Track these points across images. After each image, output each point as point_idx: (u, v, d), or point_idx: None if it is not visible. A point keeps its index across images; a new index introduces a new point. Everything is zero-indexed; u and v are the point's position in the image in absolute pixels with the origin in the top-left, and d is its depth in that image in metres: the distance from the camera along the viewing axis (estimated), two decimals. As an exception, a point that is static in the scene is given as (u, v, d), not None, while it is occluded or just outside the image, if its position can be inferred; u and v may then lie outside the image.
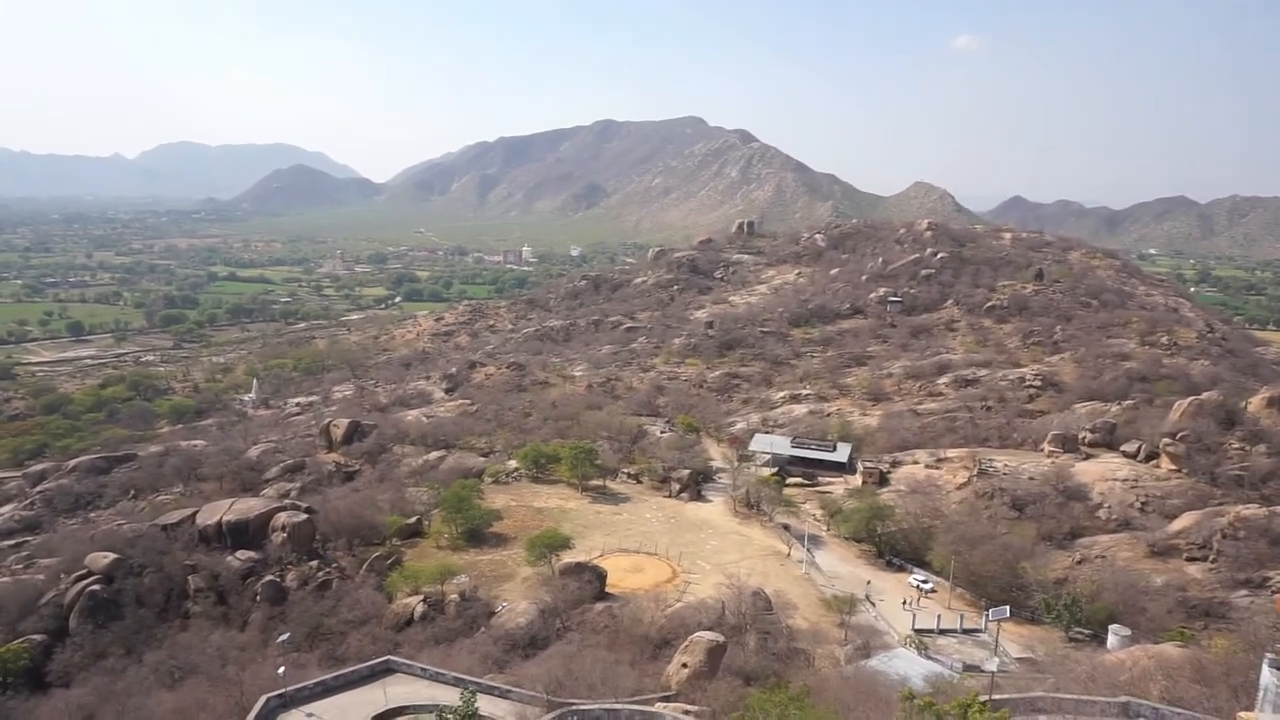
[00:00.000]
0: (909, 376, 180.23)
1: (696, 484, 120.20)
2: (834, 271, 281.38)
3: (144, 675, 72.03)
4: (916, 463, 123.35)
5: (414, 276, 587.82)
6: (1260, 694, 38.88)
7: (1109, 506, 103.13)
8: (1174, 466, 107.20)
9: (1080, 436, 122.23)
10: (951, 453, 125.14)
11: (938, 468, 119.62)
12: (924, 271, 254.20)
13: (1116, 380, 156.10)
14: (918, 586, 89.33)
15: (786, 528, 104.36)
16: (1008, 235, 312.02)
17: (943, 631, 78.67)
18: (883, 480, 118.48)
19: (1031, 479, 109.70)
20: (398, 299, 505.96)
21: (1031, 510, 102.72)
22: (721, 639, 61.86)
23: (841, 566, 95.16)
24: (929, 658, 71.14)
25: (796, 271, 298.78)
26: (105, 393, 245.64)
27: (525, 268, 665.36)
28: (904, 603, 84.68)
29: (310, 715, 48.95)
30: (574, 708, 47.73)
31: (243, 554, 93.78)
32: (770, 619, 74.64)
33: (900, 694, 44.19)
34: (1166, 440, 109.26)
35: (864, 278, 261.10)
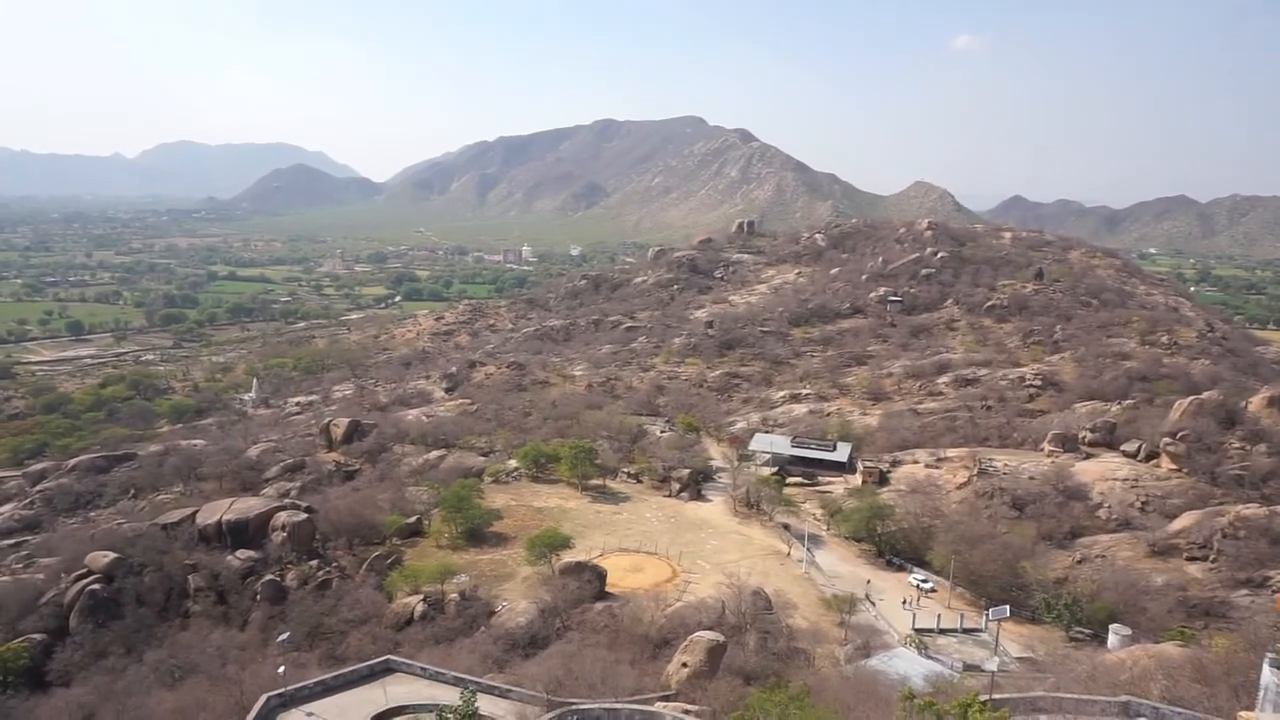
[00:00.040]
0: (909, 376, 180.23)
1: (696, 483, 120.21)
2: (834, 271, 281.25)
3: (144, 674, 72.03)
4: (916, 462, 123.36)
5: (414, 276, 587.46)
6: (1261, 693, 38.87)
7: (1109, 506, 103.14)
8: (1174, 466, 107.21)
9: (1080, 436, 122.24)
10: (951, 452, 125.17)
11: (938, 467, 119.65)
12: (924, 271, 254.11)
13: (1117, 380, 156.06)
14: (918, 586, 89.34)
15: (786, 527, 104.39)
16: (1008, 235, 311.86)
17: (943, 631, 78.69)
18: (883, 480, 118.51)
19: (1031, 478, 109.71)
20: (397, 298, 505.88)
21: (1031, 510, 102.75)
22: (721, 638, 61.88)
23: (841, 566, 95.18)
24: (929, 657, 71.15)
25: (796, 271, 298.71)
26: (105, 392, 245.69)
27: (525, 267, 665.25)
28: (904, 602, 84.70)
29: (310, 715, 48.93)
30: (574, 707, 47.72)
31: (243, 553, 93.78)
32: (770, 618, 74.65)
33: (900, 693, 44.13)
34: (1167, 440, 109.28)
35: (864, 277, 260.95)
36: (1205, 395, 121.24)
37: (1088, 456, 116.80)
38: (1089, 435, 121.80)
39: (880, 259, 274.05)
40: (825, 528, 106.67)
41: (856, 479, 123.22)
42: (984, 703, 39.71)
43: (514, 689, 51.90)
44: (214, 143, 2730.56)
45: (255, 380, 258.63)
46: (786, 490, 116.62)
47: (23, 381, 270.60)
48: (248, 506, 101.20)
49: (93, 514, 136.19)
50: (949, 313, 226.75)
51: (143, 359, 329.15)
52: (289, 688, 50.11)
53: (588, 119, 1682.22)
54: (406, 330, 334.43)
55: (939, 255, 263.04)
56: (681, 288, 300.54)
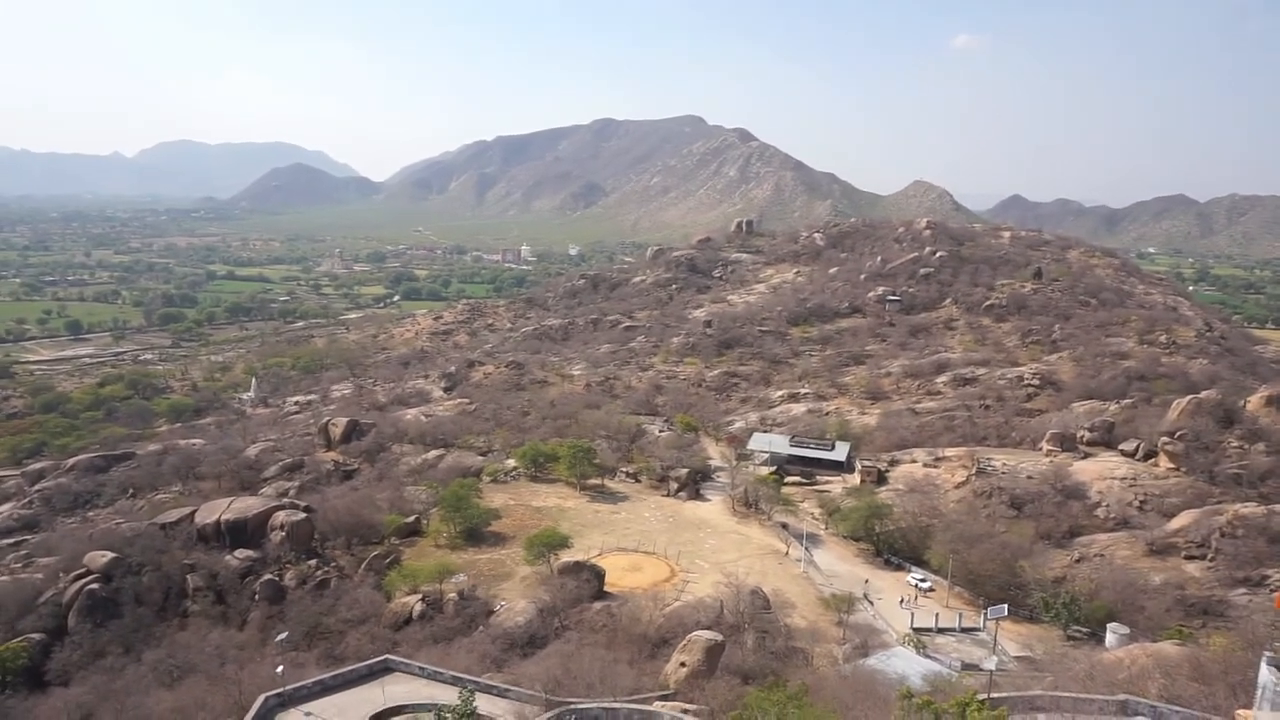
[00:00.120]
0: (907, 375, 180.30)
1: (695, 483, 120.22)
2: (832, 270, 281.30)
3: (143, 674, 72.02)
4: (915, 461, 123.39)
5: (412, 275, 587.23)
6: (1258, 692, 38.92)
7: (1107, 505, 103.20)
8: (1172, 465, 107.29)
9: (1078, 435, 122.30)
10: (950, 451, 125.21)
11: (936, 466, 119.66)
12: (922, 270, 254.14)
13: (1115, 379, 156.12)
14: (916, 585, 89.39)
15: (785, 526, 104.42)
16: (1006, 234, 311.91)
17: (941, 630, 78.73)
18: (881, 479, 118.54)
19: (1030, 478, 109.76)
20: (396, 298, 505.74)
21: (1030, 509, 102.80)
22: (720, 638, 61.91)
23: (840, 565, 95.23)
24: (927, 656, 71.13)
25: (795, 270, 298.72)
26: (104, 391, 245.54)
27: (524, 267, 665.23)
28: (902, 601, 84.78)
29: (309, 714, 48.94)
30: (572, 706, 47.74)
31: (241, 553, 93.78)
32: (768, 618, 74.69)
33: (898, 692, 44.18)
34: (1165, 439, 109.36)
35: (862, 276, 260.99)
36: (1203, 394, 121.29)
37: (1086, 456, 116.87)
38: (1087, 434, 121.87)
39: (879, 258, 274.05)
40: (823, 527, 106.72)
41: (855, 478, 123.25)
42: (982, 701, 39.74)
43: (512, 688, 51.93)
44: (213, 142, 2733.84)
45: (254, 380, 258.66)
46: (785, 490, 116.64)
47: (21, 381, 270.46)
48: (246, 506, 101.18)
49: (91, 513, 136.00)
50: (947, 312, 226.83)
51: (141, 358, 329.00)
52: (287, 687, 50.10)
53: (586, 118, 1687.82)
54: (405, 330, 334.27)
55: (938, 255, 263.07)
56: (680, 287, 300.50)
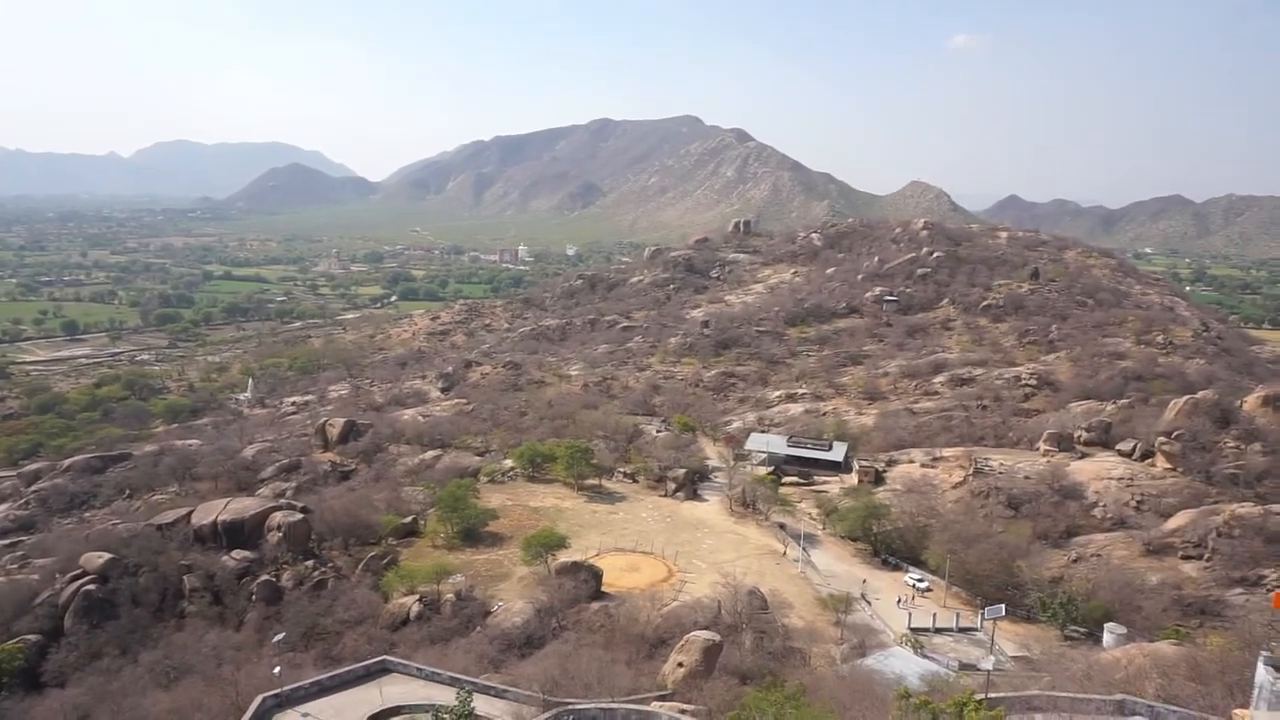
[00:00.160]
0: (905, 375, 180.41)
1: (692, 483, 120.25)
2: (830, 271, 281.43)
3: (139, 675, 71.85)
4: (912, 462, 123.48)
5: (410, 275, 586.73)
6: (1255, 691, 38.93)
7: (1104, 505, 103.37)
8: (1169, 465, 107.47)
9: (1076, 435, 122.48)
10: (947, 452, 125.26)
11: (933, 467, 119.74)
12: (920, 270, 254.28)
13: (1112, 379, 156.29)
14: (913, 585, 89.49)
15: (782, 527, 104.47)
16: (1003, 234, 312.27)
17: (938, 630, 78.85)
18: (878, 479, 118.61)
19: (1027, 478, 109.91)
20: (393, 298, 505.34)
21: (1027, 509, 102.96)
22: (717, 638, 61.90)
23: (837, 565, 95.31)
24: (925, 656, 71.23)
25: (792, 271, 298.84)
26: (100, 392, 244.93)
27: (521, 267, 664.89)
28: (899, 601, 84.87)
29: (306, 715, 48.86)
30: (570, 707, 47.71)
31: (238, 554, 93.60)
32: (766, 618, 74.72)
33: (896, 693, 44.20)
34: (1162, 439, 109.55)
35: (860, 277, 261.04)
36: (1200, 394, 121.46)
37: (1083, 456, 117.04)
38: (1084, 434, 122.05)
39: (876, 259, 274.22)
40: (821, 527, 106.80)
41: (852, 478, 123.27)
42: (979, 701, 39.75)
43: (510, 689, 51.88)
44: (210, 142, 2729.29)
45: (251, 380, 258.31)
46: (782, 490, 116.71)
47: (17, 381, 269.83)
48: (243, 507, 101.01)
49: (88, 514, 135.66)
50: (945, 312, 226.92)
51: (138, 359, 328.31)
52: (284, 688, 50.03)
53: (584, 118, 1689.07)
54: (402, 330, 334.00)
55: (935, 255, 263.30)
56: (677, 287, 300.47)
